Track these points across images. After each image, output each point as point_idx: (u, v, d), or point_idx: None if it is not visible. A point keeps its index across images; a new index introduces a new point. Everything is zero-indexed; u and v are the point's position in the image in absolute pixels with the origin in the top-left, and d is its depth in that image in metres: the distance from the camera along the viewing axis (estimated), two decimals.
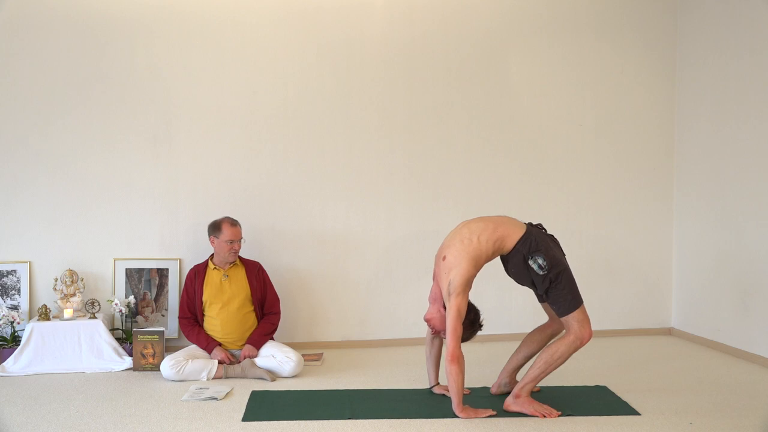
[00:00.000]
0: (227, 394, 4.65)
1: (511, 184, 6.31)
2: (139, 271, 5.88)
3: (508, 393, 4.43)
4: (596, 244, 6.41)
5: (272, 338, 5.47)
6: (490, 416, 4.16)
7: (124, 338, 5.64)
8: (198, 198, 5.93)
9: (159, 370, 5.09)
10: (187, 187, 5.93)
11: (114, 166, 5.84)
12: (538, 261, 4.11)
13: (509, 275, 4.37)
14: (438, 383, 4.65)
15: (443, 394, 4.54)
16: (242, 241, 5.42)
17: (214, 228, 5.39)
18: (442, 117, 6.22)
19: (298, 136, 6.05)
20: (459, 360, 4.06)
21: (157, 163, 5.89)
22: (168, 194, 5.91)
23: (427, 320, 4.44)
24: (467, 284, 4.13)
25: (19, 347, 5.29)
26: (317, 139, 6.07)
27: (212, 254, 5.48)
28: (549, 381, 4.53)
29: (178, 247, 5.93)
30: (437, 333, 4.48)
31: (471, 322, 4.27)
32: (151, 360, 5.29)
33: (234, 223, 5.39)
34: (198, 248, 5.84)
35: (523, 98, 6.33)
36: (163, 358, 5.16)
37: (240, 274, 5.44)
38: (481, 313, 4.38)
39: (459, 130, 6.24)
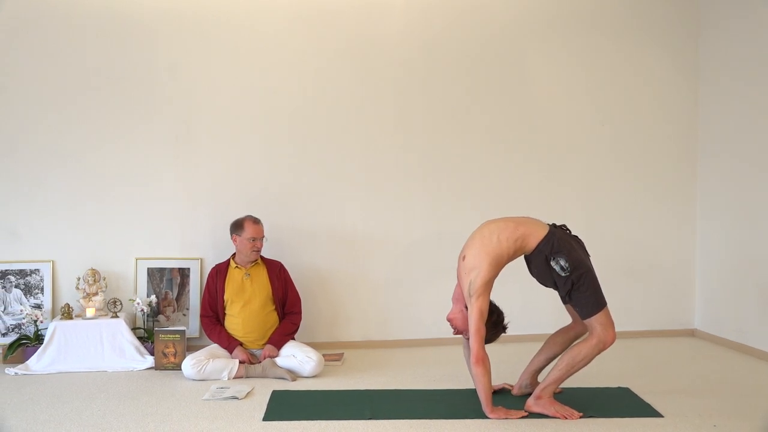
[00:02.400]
0: (248, 393, 4.66)
1: (531, 184, 6.28)
2: (161, 270, 5.91)
3: (530, 394, 4.41)
4: (617, 244, 6.36)
5: (293, 338, 5.48)
6: (522, 417, 4.14)
7: (146, 337, 5.67)
8: (218, 197, 5.95)
9: (180, 369, 5.11)
10: (207, 186, 5.96)
11: (135, 165, 5.89)
12: (560, 262, 4.08)
13: (532, 275, 4.34)
14: None
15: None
16: (264, 239, 5.44)
17: (237, 226, 5.41)
18: (460, 117, 6.21)
19: (317, 135, 6.07)
20: (483, 361, 4.05)
21: (177, 163, 5.93)
22: (189, 194, 5.95)
23: (449, 320, 4.43)
24: (488, 285, 4.11)
25: (42, 346, 5.34)
26: (336, 138, 6.08)
27: (234, 253, 5.50)
28: (570, 382, 4.51)
29: (199, 246, 5.96)
30: (460, 333, 4.46)
31: (494, 323, 4.25)
32: (172, 359, 5.31)
33: (256, 221, 5.41)
34: (218, 248, 5.86)
35: (543, 98, 6.30)
36: (184, 357, 5.18)
37: (261, 273, 5.46)
38: (504, 314, 4.37)
39: (477, 129, 6.22)
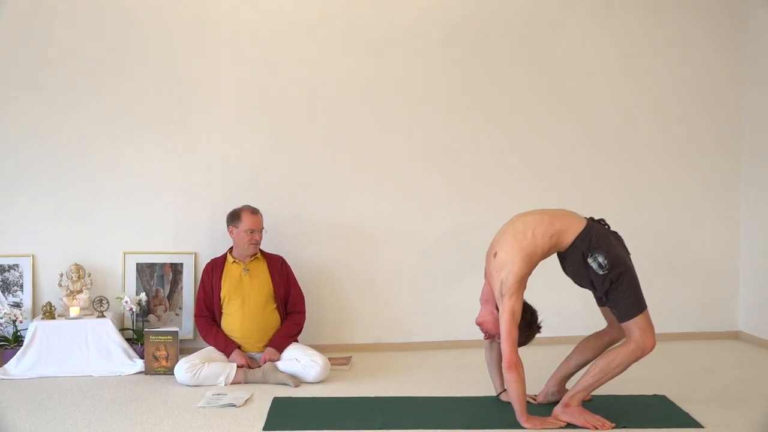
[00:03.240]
0: (247, 400, 4.68)
1: (561, 174, 6.27)
2: (151, 266, 5.94)
3: (556, 402, 4.41)
4: (655, 240, 6.33)
5: (296, 340, 5.50)
6: (560, 428, 4.14)
7: (135, 339, 5.70)
8: (215, 187, 5.97)
9: (173, 373, 5.13)
10: (202, 174, 5.97)
11: (124, 152, 5.90)
12: (598, 259, 4.07)
13: (566, 274, 4.34)
14: (505, 389, 4.60)
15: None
16: (263, 231, 5.46)
17: (233, 217, 5.43)
18: (484, 99, 6.19)
19: (324, 120, 6.07)
20: (516, 366, 4.05)
21: (170, 149, 5.94)
22: (182, 183, 5.96)
23: (479, 324, 4.43)
24: (521, 283, 4.12)
25: (22, 348, 5.37)
26: (345, 123, 6.08)
27: (231, 247, 5.52)
28: (601, 389, 4.49)
29: (194, 240, 5.98)
30: (491, 337, 4.46)
31: (528, 323, 4.26)
32: (164, 363, 5.34)
33: (254, 212, 5.43)
34: (215, 241, 5.88)
35: (574, 79, 6.27)
36: (177, 360, 5.20)
37: (261, 268, 5.48)
38: (538, 313, 4.37)
39: (502, 114, 6.21)
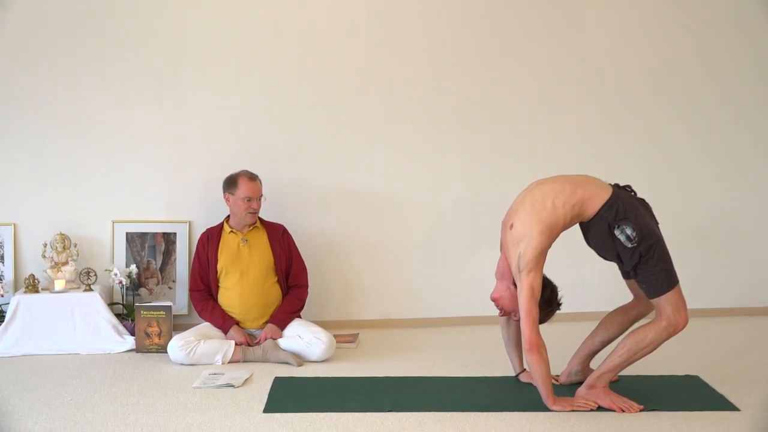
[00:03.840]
0: (246, 380, 4.68)
1: (584, 136, 6.24)
2: (142, 235, 5.93)
3: (580, 383, 4.40)
4: (687, 209, 6.32)
5: (299, 316, 5.49)
6: (592, 410, 4.13)
7: (125, 314, 5.71)
8: (211, 150, 5.95)
9: (166, 351, 5.13)
10: (197, 136, 5.96)
11: (112, 112, 5.88)
12: (626, 231, 4.03)
13: (590, 246, 4.31)
14: (524, 369, 4.60)
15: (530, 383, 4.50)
16: (262, 198, 5.43)
17: (230, 183, 5.40)
18: (502, 55, 6.15)
19: (330, 77, 6.03)
20: (538, 347, 4.03)
21: (161, 109, 5.92)
22: (175, 145, 5.94)
23: (494, 299, 4.41)
24: (540, 258, 4.08)
25: (3, 324, 5.38)
26: (352, 81, 6.05)
27: (228, 215, 5.50)
28: (629, 369, 4.48)
29: (188, 207, 5.97)
30: (507, 314, 4.44)
31: (547, 300, 4.23)
32: (156, 340, 5.34)
33: (252, 178, 5.39)
34: (210, 209, 5.86)
35: (599, 35, 6.22)
36: (170, 337, 5.20)
37: (261, 238, 5.46)
38: (558, 288, 4.34)
39: (522, 71, 6.17)
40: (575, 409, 4.11)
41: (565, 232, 4.24)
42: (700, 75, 6.32)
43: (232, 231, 5.44)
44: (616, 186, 4.25)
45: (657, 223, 4.27)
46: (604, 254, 4.25)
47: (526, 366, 4.51)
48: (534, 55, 6.17)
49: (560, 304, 4.37)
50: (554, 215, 4.09)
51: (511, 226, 4.18)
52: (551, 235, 4.11)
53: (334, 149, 6.05)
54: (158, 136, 5.92)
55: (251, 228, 5.46)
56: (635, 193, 4.32)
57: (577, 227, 4.29)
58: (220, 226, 5.49)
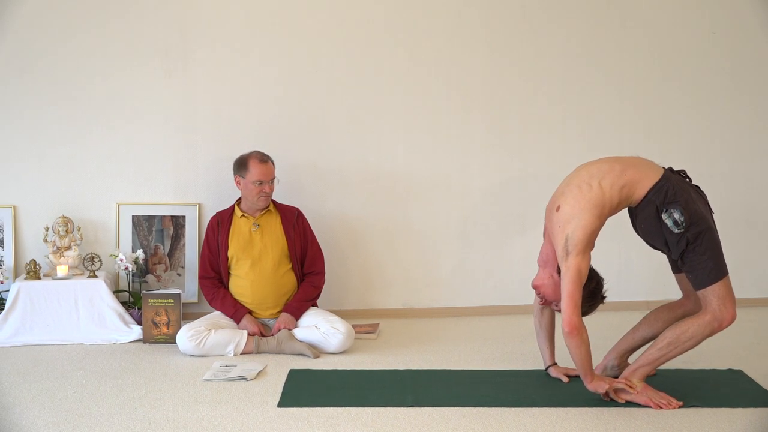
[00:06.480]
0: (259, 373, 4.70)
1: (622, 112, 6.22)
2: (150, 219, 5.96)
3: (615, 377, 4.39)
4: (733, 190, 6.29)
5: (315, 305, 5.51)
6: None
7: (132, 302, 5.74)
8: (221, 129, 5.97)
9: (174, 342, 5.16)
10: (207, 114, 5.97)
11: (116, 88, 5.90)
12: (673, 215, 4.01)
13: (637, 232, 4.31)
14: (555, 363, 4.61)
15: (559, 377, 4.51)
16: (275, 181, 5.43)
17: (240, 165, 5.40)
18: (533, 27, 6.13)
19: (348, 49, 6.03)
20: (579, 330, 4.01)
21: (169, 85, 5.93)
22: (184, 124, 5.96)
23: (535, 287, 4.41)
24: (590, 240, 4.08)
25: (4, 312, 5.41)
26: (372, 54, 6.05)
27: (239, 198, 5.51)
28: (668, 363, 4.47)
29: (197, 189, 5.99)
30: (548, 304, 4.44)
31: (591, 292, 4.21)
32: (164, 330, 5.37)
33: (264, 159, 5.39)
34: (221, 191, 5.89)
35: (638, 17, 6.18)
36: (179, 327, 5.22)
37: (274, 223, 5.47)
38: (604, 281, 4.33)
39: (554, 43, 6.15)
40: (611, 388, 4.10)
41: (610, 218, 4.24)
42: (747, 53, 6.27)
43: (243, 215, 5.45)
44: (668, 169, 4.23)
45: (711, 212, 4.24)
46: (652, 241, 4.24)
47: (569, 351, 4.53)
48: (568, 28, 6.14)
49: (604, 297, 4.36)
50: (601, 197, 4.09)
51: (558, 208, 4.17)
52: (600, 216, 4.10)
53: (353, 128, 6.06)
54: (165, 114, 5.94)
55: (264, 212, 5.46)
56: (690, 179, 4.30)
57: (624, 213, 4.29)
58: (231, 210, 5.50)
